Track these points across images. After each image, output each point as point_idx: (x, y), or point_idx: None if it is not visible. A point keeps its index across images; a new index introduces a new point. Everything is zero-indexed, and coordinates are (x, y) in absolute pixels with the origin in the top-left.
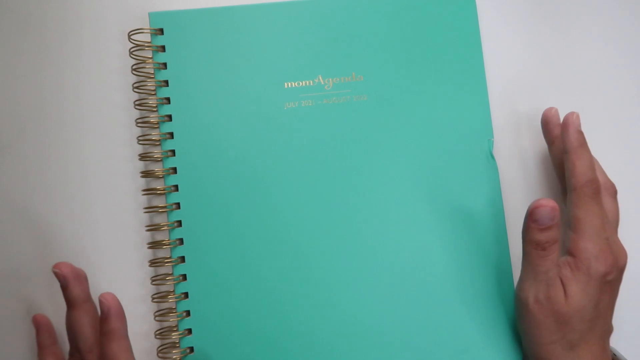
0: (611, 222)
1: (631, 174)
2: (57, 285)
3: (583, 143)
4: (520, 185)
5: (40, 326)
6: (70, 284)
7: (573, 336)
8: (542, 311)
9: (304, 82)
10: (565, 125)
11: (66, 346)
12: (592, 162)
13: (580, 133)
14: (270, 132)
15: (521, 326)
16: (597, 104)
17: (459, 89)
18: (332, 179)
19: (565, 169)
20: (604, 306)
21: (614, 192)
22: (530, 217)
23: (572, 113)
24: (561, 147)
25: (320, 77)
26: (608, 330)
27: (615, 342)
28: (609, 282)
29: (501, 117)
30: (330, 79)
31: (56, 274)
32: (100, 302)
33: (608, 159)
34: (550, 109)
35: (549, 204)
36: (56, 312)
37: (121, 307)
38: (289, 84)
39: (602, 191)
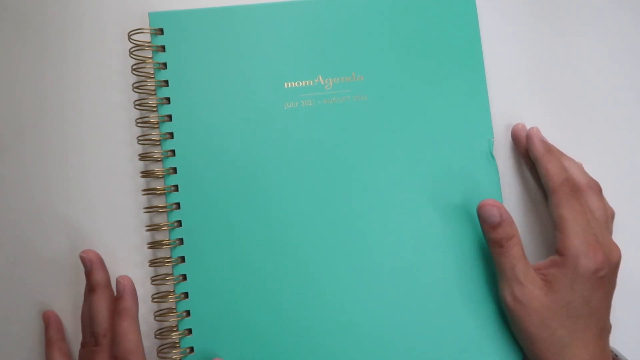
0: (599, 219)
1: (631, 174)
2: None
3: (549, 149)
4: (520, 185)
5: (50, 322)
6: (95, 268)
7: (562, 332)
8: (522, 308)
9: (304, 82)
10: (529, 139)
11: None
12: (563, 164)
13: (544, 141)
14: (270, 132)
15: (511, 327)
16: (596, 103)
17: (459, 89)
18: (332, 179)
19: (541, 176)
20: (598, 303)
21: (598, 190)
22: (480, 219)
23: (532, 128)
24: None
25: (320, 77)
26: (605, 328)
27: (615, 341)
28: (601, 279)
29: (501, 117)
30: (330, 79)
31: (82, 259)
32: (117, 282)
33: (608, 158)
34: (517, 124)
35: (492, 203)
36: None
37: (135, 289)
38: (289, 84)
39: (585, 190)
